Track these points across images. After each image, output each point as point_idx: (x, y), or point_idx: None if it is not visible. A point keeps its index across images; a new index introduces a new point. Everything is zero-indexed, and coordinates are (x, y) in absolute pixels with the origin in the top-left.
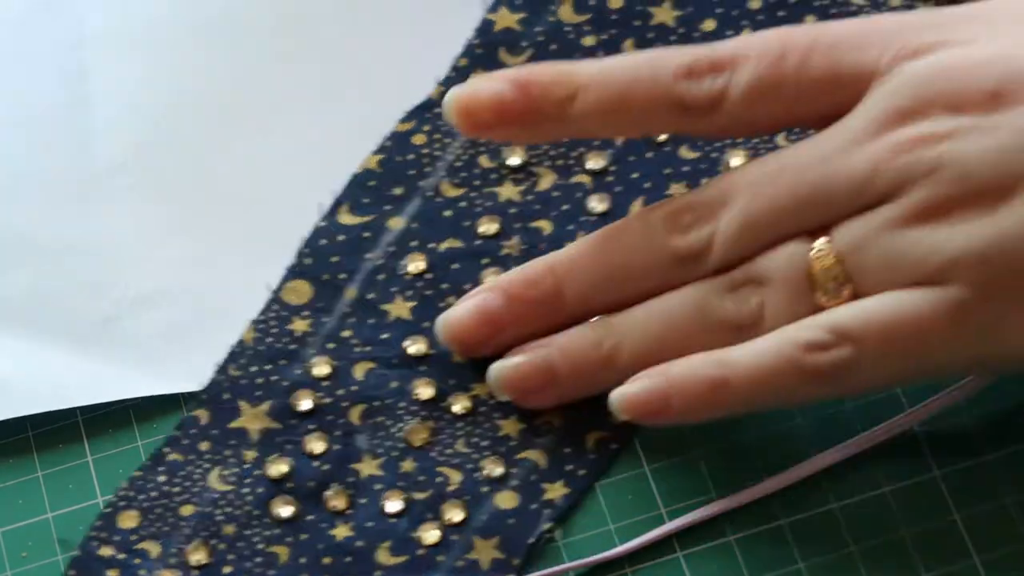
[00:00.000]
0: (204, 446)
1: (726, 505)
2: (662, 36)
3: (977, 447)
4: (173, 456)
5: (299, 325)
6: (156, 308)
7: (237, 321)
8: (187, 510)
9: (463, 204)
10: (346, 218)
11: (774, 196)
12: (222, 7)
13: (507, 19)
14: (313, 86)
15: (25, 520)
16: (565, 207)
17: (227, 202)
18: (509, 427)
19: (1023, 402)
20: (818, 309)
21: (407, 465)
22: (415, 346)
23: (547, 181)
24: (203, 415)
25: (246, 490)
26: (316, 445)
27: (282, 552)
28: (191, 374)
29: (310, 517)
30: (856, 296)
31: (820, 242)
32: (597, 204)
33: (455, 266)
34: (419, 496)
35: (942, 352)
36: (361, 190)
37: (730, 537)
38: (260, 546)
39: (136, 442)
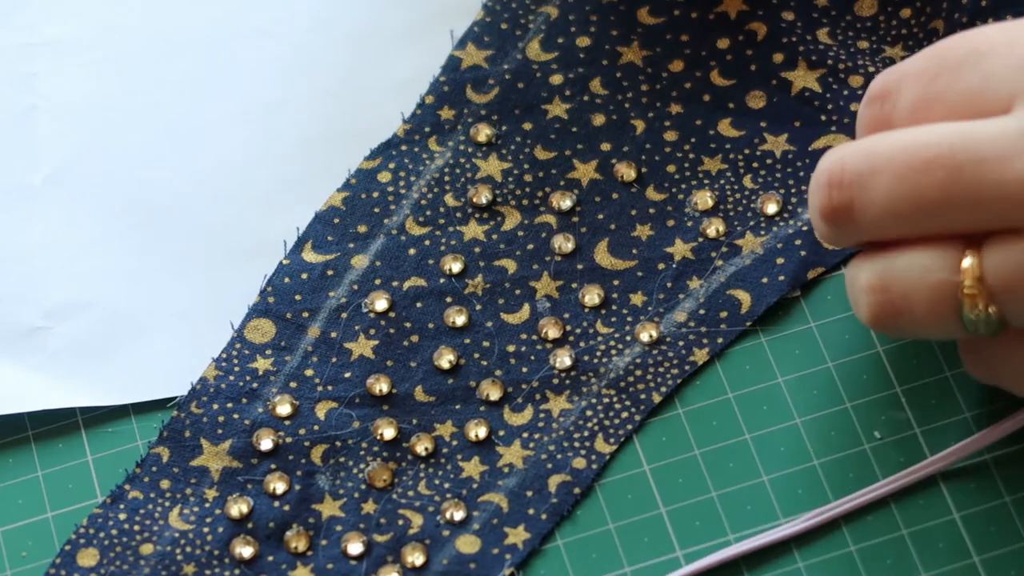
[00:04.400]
0: (165, 484)
1: (747, 547)
2: (630, 75)
3: (978, 447)
4: (134, 494)
5: (261, 364)
6: (84, 319)
7: (165, 334)
8: (147, 549)
9: (427, 242)
10: (310, 256)
11: (920, 188)
12: (174, 22)
13: (474, 56)
14: (264, 110)
15: (25, 520)
16: (530, 247)
17: (160, 216)
18: (471, 469)
19: (1021, 402)
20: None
21: (368, 507)
22: (378, 385)
23: (512, 220)
24: (164, 453)
25: (206, 530)
26: (277, 485)
27: None
28: (119, 388)
29: (270, 558)
30: (1004, 324)
31: (968, 265)
32: (563, 244)
33: (419, 305)
34: (380, 539)
35: None
36: (325, 228)
37: (730, 536)
38: None
39: (136, 441)
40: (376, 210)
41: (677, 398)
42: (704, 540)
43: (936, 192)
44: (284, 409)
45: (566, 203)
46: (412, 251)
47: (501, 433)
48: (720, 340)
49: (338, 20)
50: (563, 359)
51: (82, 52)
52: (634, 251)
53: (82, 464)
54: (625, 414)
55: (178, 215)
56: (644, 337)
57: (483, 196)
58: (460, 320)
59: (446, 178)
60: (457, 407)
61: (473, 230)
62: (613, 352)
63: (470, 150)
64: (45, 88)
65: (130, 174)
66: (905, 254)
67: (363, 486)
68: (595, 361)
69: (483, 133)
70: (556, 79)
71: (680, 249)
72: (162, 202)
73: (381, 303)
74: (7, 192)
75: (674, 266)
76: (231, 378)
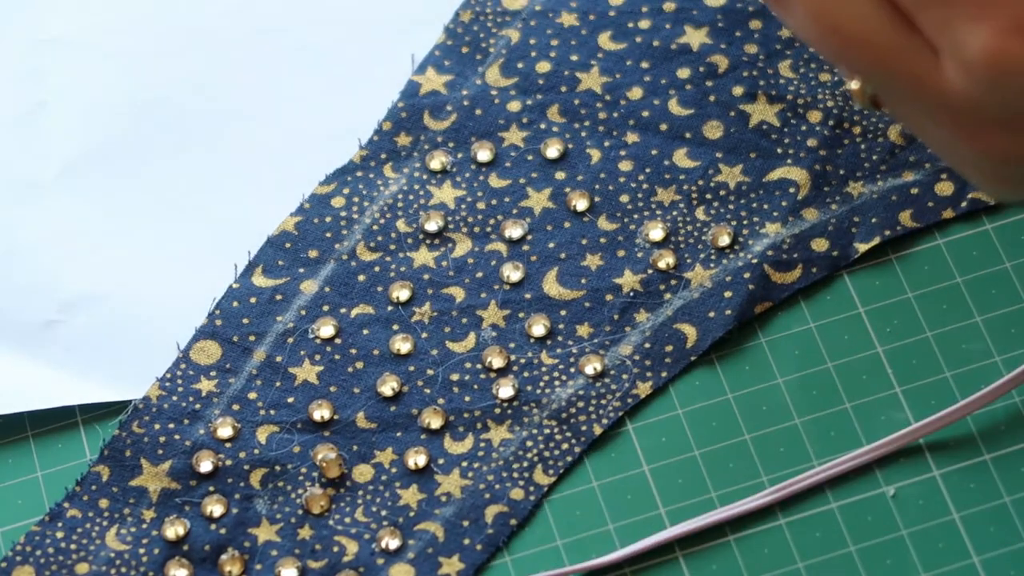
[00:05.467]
0: (103, 503)
1: (728, 514)
2: (588, 102)
3: (977, 447)
4: (72, 512)
5: (205, 385)
6: (98, 312)
7: (177, 328)
8: (82, 568)
9: (377, 269)
10: (260, 280)
11: None
12: (179, 19)
13: (433, 81)
14: (275, 106)
15: (25, 520)
16: (479, 275)
17: (170, 210)
18: (409, 497)
19: (1022, 402)
20: None
21: (304, 532)
22: (320, 411)
23: (463, 247)
24: (104, 471)
25: (142, 551)
26: (215, 508)
27: None
28: (131, 382)
29: None
30: None
31: None
32: (511, 272)
33: (365, 332)
34: (314, 565)
35: None
36: (276, 252)
37: (730, 537)
38: None
39: None
40: (328, 235)
41: (677, 398)
42: (704, 541)
43: None
44: (225, 431)
45: (517, 231)
46: (361, 277)
47: (441, 461)
48: (664, 374)
49: (338, 16)
50: (506, 389)
51: (91, 48)
52: (583, 280)
53: (82, 464)
54: (565, 445)
55: (190, 209)
56: (588, 370)
57: (434, 223)
58: (405, 347)
59: (399, 204)
60: (398, 434)
61: (423, 256)
62: (556, 383)
63: (425, 177)
64: (55, 83)
65: (141, 168)
66: None
67: (300, 511)
68: (538, 392)
69: (438, 160)
70: (514, 105)
71: (629, 280)
72: (173, 196)
73: (328, 329)
74: (19, 187)
75: (622, 297)
76: (174, 398)
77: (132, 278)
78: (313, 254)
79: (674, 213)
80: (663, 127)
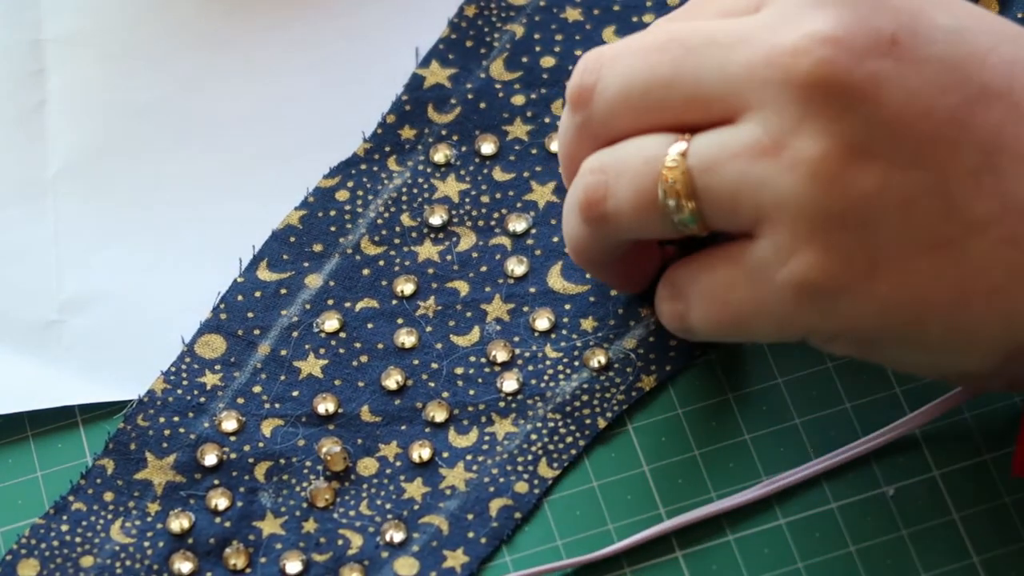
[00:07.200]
0: (108, 496)
1: (724, 506)
2: None
3: (977, 447)
4: (77, 505)
5: (210, 379)
6: (98, 313)
7: (179, 327)
8: (87, 561)
9: (381, 263)
10: (264, 274)
11: (655, 65)
12: (179, 19)
13: (437, 75)
14: (276, 106)
15: (25, 520)
16: (483, 269)
17: (171, 210)
18: (414, 490)
19: (1021, 402)
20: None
21: (309, 525)
22: (324, 404)
23: (467, 242)
24: (109, 465)
25: (147, 544)
26: (219, 501)
27: None
28: (134, 381)
29: (209, 574)
30: (700, 215)
31: (675, 150)
32: (515, 267)
33: (369, 326)
34: (318, 558)
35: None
36: (281, 246)
37: (730, 537)
38: None
39: None
40: (332, 229)
41: (677, 398)
42: (704, 541)
43: (668, 68)
44: (230, 425)
45: (521, 225)
46: (366, 271)
47: (445, 455)
48: (668, 368)
49: (341, 10)
50: (510, 383)
51: (90, 47)
52: (587, 275)
53: (82, 464)
54: (570, 439)
55: (190, 209)
56: (592, 363)
57: (438, 216)
58: (409, 341)
59: (403, 198)
60: (402, 428)
61: (427, 250)
62: (561, 377)
63: (429, 170)
64: (54, 84)
65: (141, 168)
66: (630, 141)
67: (305, 504)
68: (542, 385)
69: (441, 153)
70: (518, 99)
71: None
72: (173, 196)
73: (332, 323)
74: (19, 187)
75: None
76: (179, 392)
77: (132, 278)
78: (318, 248)
79: None
80: None
